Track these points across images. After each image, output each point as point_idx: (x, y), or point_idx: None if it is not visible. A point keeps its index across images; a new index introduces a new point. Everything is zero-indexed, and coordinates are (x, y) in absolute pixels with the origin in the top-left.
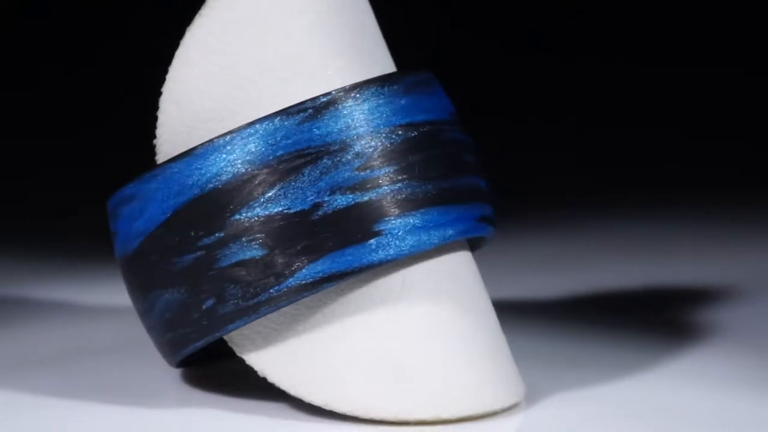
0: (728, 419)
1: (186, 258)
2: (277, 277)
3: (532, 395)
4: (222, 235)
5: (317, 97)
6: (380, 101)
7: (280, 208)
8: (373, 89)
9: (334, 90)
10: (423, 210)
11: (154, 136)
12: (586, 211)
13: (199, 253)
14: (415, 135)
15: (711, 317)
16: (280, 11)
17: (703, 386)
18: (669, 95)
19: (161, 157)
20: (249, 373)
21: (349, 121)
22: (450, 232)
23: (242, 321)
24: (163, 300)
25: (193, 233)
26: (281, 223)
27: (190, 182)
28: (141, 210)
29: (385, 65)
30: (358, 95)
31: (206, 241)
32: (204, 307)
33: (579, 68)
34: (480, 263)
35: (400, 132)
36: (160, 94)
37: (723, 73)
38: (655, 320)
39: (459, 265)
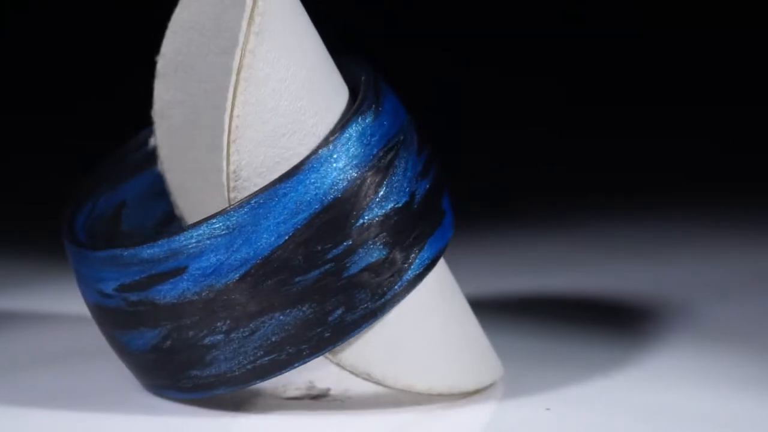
0: (727, 420)
1: (312, 274)
2: (399, 273)
3: (530, 395)
4: (350, 242)
5: (368, 94)
6: (391, 92)
7: (392, 204)
8: (383, 82)
9: (371, 86)
10: (446, 188)
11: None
12: (585, 212)
13: (327, 267)
14: (414, 120)
15: (710, 317)
16: (296, 16)
17: (701, 386)
18: (668, 96)
19: (243, 182)
20: None
21: (396, 113)
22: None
23: (367, 324)
24: (273, 323)
25: (319, 248)
26: (395, 218)
27: (308, 198)
28: (245, 239)
29: None
30: (384, 89)
31: (335, 252)
32: (330, 319)
33: (577, 70)
34: (479, 262)
35: (411, 118)
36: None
37: (719, 75)
38: (654, 320)
39: None
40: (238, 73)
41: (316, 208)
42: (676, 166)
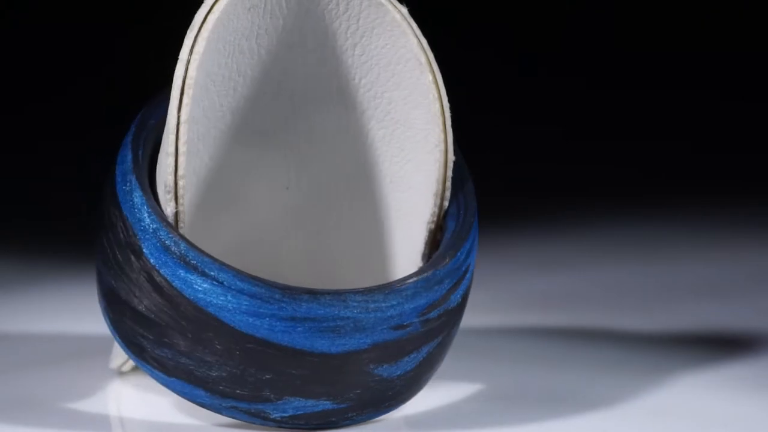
0: (727, 420)
1: None
2: None
3: (536, 398)
4: None
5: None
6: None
7: None
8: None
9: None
10: None
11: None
12: (584, 212)
13: None
14: None
15: (710, 317)
16: None
17: (700, 386)
18: (667, 95)
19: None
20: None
21: None
22: None
23: None
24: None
25: None
26: None
27: None
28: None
29: None
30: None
31: None
32: None
33: (576, 73)
34: (481, 264)
35: None
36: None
37: (720, 75)
38: (653, 320)
39: None
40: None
41: None
42: (676, 166)
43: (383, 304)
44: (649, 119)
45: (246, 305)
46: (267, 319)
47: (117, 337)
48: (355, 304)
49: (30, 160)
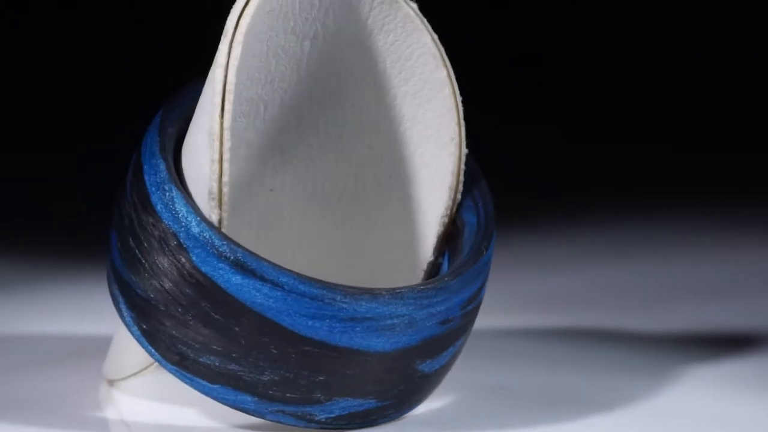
0: (727, 420)
1: None
2: None
3: (536, 398)
4: None
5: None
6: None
7: None
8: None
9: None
10: None
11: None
12: (584, 212)
13: None
14: None
15: (710, 317)
16: None
17: (700, 386)
18: (667, 96)
19: None
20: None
21: None
22: None
23: None
24: None
25: None
26: None
27: None
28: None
29: None
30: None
31: None
32: None
33: (576, 73)
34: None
35: None
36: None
37: (722, 75)
38: (654, 320)
39: None
40: (459, 126)
41: None
42: (676, 166)
43: (434, 300)
44: (648, 119)
45: (307, 307)
46: (327, 320)
47: (150, 347)
48: (411, 300)
49: (30, 160)
